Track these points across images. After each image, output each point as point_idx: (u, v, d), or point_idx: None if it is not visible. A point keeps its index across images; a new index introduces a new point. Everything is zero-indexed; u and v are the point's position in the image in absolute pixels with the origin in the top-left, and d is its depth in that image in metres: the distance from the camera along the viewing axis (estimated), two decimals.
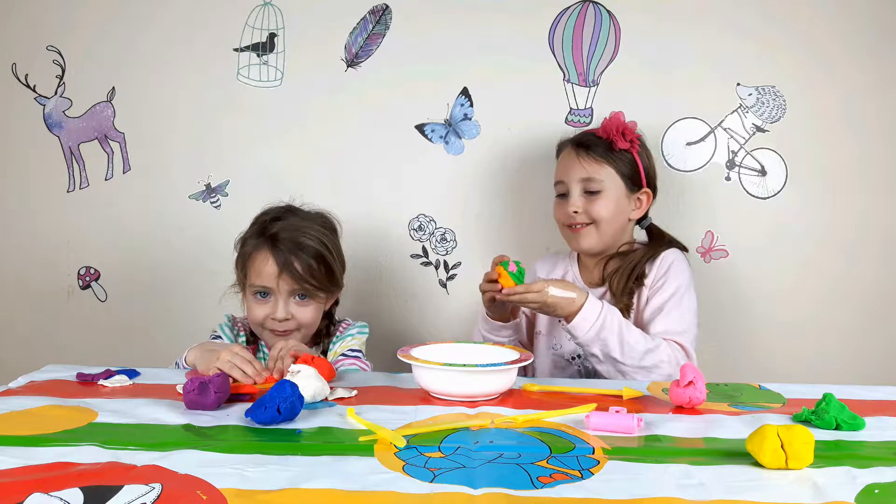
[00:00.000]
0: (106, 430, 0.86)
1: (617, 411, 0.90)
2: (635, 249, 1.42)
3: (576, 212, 1.37)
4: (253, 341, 1.39)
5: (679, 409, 0.98)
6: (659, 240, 1.44)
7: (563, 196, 1.41)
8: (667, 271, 1.36)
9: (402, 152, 1.64)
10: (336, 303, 1.43)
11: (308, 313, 1.31)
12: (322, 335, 1.41)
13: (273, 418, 0.88)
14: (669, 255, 1.39)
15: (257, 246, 1.30)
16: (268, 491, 0.68)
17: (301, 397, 0.91)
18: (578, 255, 1.49)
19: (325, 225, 1.36)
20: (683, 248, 1.43)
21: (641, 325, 1.33)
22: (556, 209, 1.44)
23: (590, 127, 1.56)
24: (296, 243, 1.28)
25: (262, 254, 1.28)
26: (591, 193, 1.38)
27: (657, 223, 1.48)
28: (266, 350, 1.37)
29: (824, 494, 0.70)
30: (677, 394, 0.98)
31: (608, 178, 1.38)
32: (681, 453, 0.80)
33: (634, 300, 1.35)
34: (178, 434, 0.85)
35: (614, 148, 1.38)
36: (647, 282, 1.36)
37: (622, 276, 1.37)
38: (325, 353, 1.37)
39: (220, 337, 1.37)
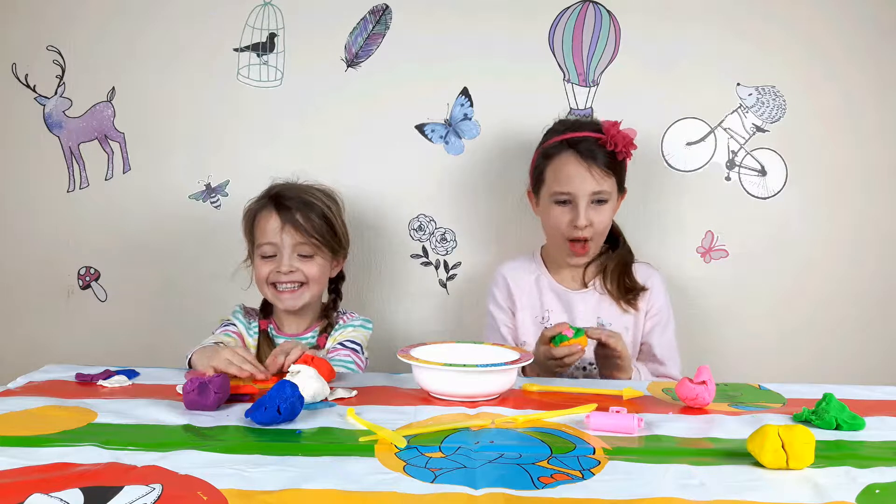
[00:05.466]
0: (106, 430, 0.85)
1: (617, 411, 0.90)
2: (605, 250, 1.44)
3: (586, 226, 1.33)
4: (264, 319, 1.40)
5: (684, 409, 0.98)
6: (613, 232, 1.44)
7: (564, 204, 1.36)
8: (662, 304, 1.41)
9: (402, 152, 1.63)
10: (342, 277, 1.46)
11: (313, 268, 1.34)
12: (329, 309, 1.43)
13: (273, 419, 0.88)
14: (658, 279, 1.42)
15: (262, 206, 1.35)
16: (268, 491, 0.68)
17: (301, 398, 0.91)
18: (544, 257, 1.46)
19: (327, 193, 1.40)
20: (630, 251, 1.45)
21: (646, 345, 1.40)
22: (555, 217, 1.36)
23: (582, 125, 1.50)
24: (298, 200, 1.34)
25: (266, 211, 1.34)
26: (595, 203, 1.35)
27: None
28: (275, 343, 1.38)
29: (825, 494, 0.70)
30: (688, 388, 0.98)
31: (612, 188, 1.36)
32: (681, 453, 0.80)
33: (638, 306, 1.39)
34: (178, 434, 0.85)
35: (617, 158, 1.35)
36: (644, 304, 1.39)
37: (613, 281, 1.39)
38: (331, 326, 1.40)
39: (233, 324, 1.38)
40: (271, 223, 1.32)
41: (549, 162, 1.38)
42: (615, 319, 1.39)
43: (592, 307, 1.40)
